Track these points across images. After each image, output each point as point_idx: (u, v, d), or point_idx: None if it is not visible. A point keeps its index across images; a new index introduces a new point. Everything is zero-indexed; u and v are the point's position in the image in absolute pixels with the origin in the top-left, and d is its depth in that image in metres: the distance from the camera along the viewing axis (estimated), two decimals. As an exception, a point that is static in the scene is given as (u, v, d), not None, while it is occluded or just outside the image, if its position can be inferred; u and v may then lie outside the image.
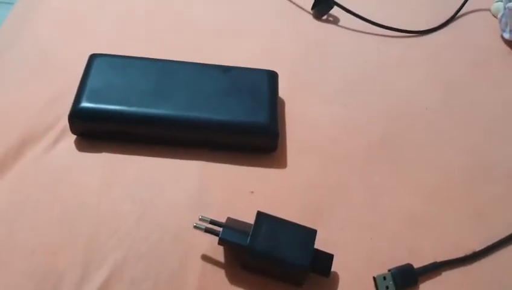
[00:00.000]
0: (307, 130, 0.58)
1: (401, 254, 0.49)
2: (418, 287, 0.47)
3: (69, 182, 0.50)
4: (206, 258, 0.46)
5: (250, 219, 0.46)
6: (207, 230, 0.46)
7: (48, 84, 0.58)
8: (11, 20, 0.66)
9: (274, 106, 0.55)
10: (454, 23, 0.74)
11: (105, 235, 0.47)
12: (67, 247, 0.46)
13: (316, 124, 0.59)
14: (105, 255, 0.45)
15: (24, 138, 0.53)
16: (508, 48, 0.71)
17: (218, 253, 0.47)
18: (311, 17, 0.72)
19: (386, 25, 0.70)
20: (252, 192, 0.51)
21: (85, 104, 0.51)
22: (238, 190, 0.52)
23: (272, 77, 0.57)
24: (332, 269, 0.46)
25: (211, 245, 0.47)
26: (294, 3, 0.73)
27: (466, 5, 0.75)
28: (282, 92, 0.58)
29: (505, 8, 0.71)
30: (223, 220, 0.47)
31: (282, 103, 0.59)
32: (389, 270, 0.47)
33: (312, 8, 0.72)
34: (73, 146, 0.53)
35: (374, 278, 0.47)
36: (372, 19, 0.70)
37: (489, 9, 0.76)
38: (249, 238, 0.44)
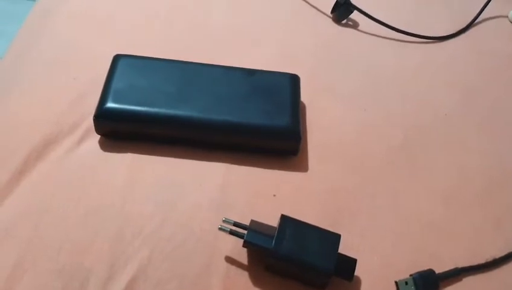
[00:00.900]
0: (327, 133, 0.58)
1: (422, 259, 0.49)
2: (439, 293, 0.47)
3: (93, 182, 0.50)
4: (230, 259, 0.47)
5: (273, 222, 0.47)
6: (232, 232, 0.46)
7: (72, 83, 0.58)
8: (33, 18, 0.66)
9: (296, 109, 0.55)
10: (472, 30, 0.74)
11: (130, 235, 0.47)
12: (93, 246, 0.46)
13: (336, 128, 0.59)
14: (130, 254, 0.46)
15: (48, 137, 0.53)
16: (525, 55, 0.71)
17: (242, 255, 0.47)
18: (330, 20, 0.72)
19: (404, 30, 0.71)
20: (274, 195, 0.52)
21: (110, 104, 0.52)
22: (261, 193, 0.52)
23: (294, 81, 0.58)
24: (355, 274, 0.46)
25: (234, 247, 0.47)
26: (314, 6, 0.73)
27: (484, 11, 0.75)
28: (302, 96, 0.59)
29: (523, 15, 0.71)
30: (245, 222, 0.47)
31: (303, 106, 0.60)
32: (410, 275, 0.47)
33: (332, 12, 0.72)
34: (97, 146, 0.53)
35: (396, 283, 0.47)
36: (391, 24, 0.70)
37: (507, 16, 0.76)
38: (273, 241, 0.45)
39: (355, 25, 0.72)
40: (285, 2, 0.74)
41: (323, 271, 0.44)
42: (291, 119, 0.54)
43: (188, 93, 0.54)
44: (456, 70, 0.68)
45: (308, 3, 0.74)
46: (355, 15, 0.71)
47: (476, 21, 0.75)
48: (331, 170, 0.55)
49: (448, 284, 0.48)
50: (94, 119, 0.52)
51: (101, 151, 0.53)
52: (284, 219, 0.46)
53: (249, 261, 0.47)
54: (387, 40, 0.71)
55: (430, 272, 0.48)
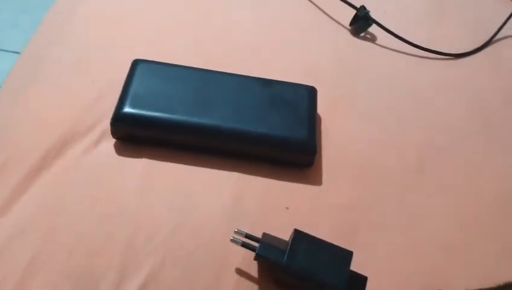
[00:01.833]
0: (343, 147, 0.58)
1: (433, 280, 0.49)
2: (448, 315, 0.47)
3: (107, 185, 0.51)
4: (240, 271, 0.47)
5: (284, 235, 0.47)
6: (244, 245, 0.46)
7: (89, 85, 0.58)
8: (53, 15, 0.66)
9: (313, 122, 0.55)
10: (490, 47, 0.74)
11: (142, 241, 0.47)
12: (104, 250, 0.46)
13: (352, 142, 0.59)
14: (142, 260, 0.46)
15: (65, 137, 0.53)
16: (545, 74, 0.70)
17: (252, 267, 0.47)
18: (349, 33, 0.72)
19: (422, 46, 0.70)
20: (287, 208, 0.52)
21: (128, 109, 0.52)
22: (273, 205, 0.52)
23: (311, 93, 0.57)
24: (365, 291, 0.46)
25: (245, 259, 0.47)
26: (333, 18, 0.73)
27: (503, 28, 0.75)
28: (318, 108, 0.58)
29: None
30: (257, 234, 0.47)
31: (319, 119, 0.59)
32: (421, 296, 0.47)
33: (350, 25, 0.72)
34: (113, 149, 0.53)
35: (406, 303, 0.47)
36: (409, 39, 0.70)
37: (526, 35, 0.76)
38: (286, 256, 0.44)
39: (373, 39, 0.72)
40: (304, 14, 0.74)
41: (334, 288, 0.44)
42: (308, 131, 0.54)
43: (205, 101, 0.54)
44: (474, 88, 0.68)
45: (328, 15, 0.74)
46: (373, 28, 0.71)
47: (494, 38, 0.74)
48: (345, 184, 0.55)
49: (459, 307, 0.48)
50: (111, 123, 0.52)
51: (116, 154, 0.53)
52: (297, 233, 0.46)
53: (259, 274, 0.47)
54: (405, 55, 0.70)
55: (441, 293, 0.47)
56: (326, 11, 0.74)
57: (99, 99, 0.57)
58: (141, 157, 0.53)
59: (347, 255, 0.45)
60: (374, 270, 0.47)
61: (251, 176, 0.53)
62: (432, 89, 0.67)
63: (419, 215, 0.53)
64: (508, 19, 0.76)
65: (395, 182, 0.56)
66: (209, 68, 0.58)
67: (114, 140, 0.54)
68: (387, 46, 0.71)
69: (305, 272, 0.44)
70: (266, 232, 0.47)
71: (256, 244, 0.46)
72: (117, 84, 0.55)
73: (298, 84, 0.58)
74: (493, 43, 0.74)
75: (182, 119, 0.52)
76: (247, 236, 0.47)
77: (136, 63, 0.56)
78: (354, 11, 0.72)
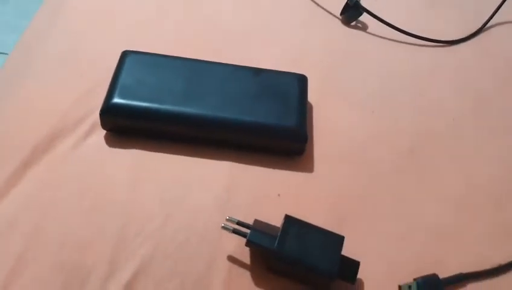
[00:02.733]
0: (334, 135, 0.58)
1: (427, 264, 0.48)
2: (443, 298, 0.47)
3: (98, 177, 0.50)
4: (232, 259, 0.47)
5: (277, 222, 0.47)
6: (235, 231, 0.46)
7: (79, 78, 0.58)
8: (41, 14, 0.67)
9: (303, 109, 0.55)
10: (483, 34, 0.74)
11: (133, 233, 0.47)
12: (95, 242, 0.46)
13: (343, 130, 0.59)
14: (132, 252, 0.46)
15: (54, 131, 0.53)
16: (537, 60, 0.70)
17: (244, 254, 0.47)
18: (339, 22, 0.72)
19: (414, 33, 0.70)
20: (279, 195, 0.52)
21: (117, 100, 0.52)
22: (265, 192, 0.52)
23: (301, 81, 0.57)
24: (358, 276, 0.46)
25: (237, 246, 0.47)
26: (323, 8, 0.73)
27: (495, 16, 0.75)
28: (309, 97, 0.58)
29: (535, 21, 0.70)
30: (249, 221, 0.47)
31: (310, 107, 0.59)
32: (414, 279, 0.47)
33: (341, 14, 0.72)
34: (103, 141, 0.53)
35: (399, 287, 0.46)
36: (401, 27, 0.70)
37: (518, 21, 0.75)
38: (276, 242, 0.44)
39: (364, 27, 0.72)
40: (294, 3, 0.73)
41: (326, 274, 0.44)
42: (298, 119, 0.54)
43: (195, 91, 0.54)
44: (466, 75, 0.68)
45: (318, 4, 0.74)
46: (364, 17, 0.71)
47: (487, 25, 0.74)
48: (336, 171, 0.55)
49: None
50: (100, 114, 0.52)
51: (106, 146, 0.53)
52: (288, 219, 0.46)
53: (251, 261, 0.47)
54: (397, 43, 0.70)
55: (434, 277, 0.47)
56: (317, 1, 0.74)
57: (88, 92, 0.57)
58: (132, 148, 0.53)
59: (339, 239, 0.45)
60: (366, 256, 0.47)
61: (243, 164, 0.53)
62: (423, 76, 0.67)
63: (411, 200, 0.53)
64: (500, 6, 0.75)
65: (387, 168, 0.56)
66: (199, 58, 0.58)
67: (104, 132, 0.54)
68: (379, 34, 0.71)
69: (296, 257, 0.44)
70: (258, 219, 0.47)
71: (247, 230, 0.46)
72: (106, 77, 0.55)
73: (288, 72, 0.58)
74: (485, 30, 0.74)
75: (172, 109, 0.52)
76: (239, 223, 0.47)
77: (125, 54, 0.56)
78: (344, 0, 0.71)
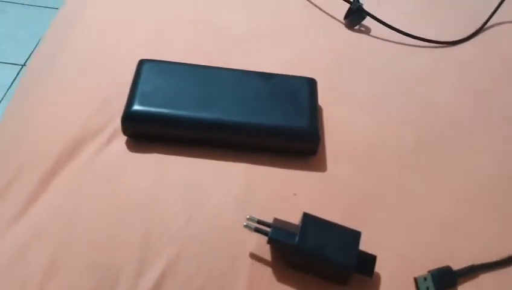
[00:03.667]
0: (343, 135, 0.60)
1: (439, 256, 0.50)
2: (456, 289, 0.49)
3: (121, 182, 0.52)
4: (254, 256, 0.49)
5: (294, 220, 0.49)
6: (256, 229, 0.48)
7: (98, 87, 0.60)
8: (58, 24, 0.69)
9: (314, 111, 0.57)
10: (482, 34, 0.76)
11: (158, 234, 0.49)
12: (122, 244, 0.48)
13: (351, 130, 0.61)
14: (159, 252, 0.48)
15: (77, 138, 0.55)
16: (535, 59, 0.73)
17: (265, 252, 0.49)
18: (343, 26, 0.74)
19: (416, 35, 0.72)
20: (295, 194, 0.54)
21: (137, 107, 0.54)
22: (282, 192, 0.54)
23: (311, 84, 0.59)
24: (375, 270, 0.48)
25: (257, 244, 0.49)
26: (327, 13, 0.76)
27: (494, 16, 0.77)
28: (318, 99, 0.60)
29: (532, 21, 0.73)
30: (267, 220, 0.49)
31: (320, 109, 0.61)
32: (429, 272, 0.49)
33: (345, 18, 0.74)
34: (124, 147, 0.55)
35: (415, 279, 0.48)
36: (403, 29, 0.72)
37: (516, 21, 0.78)
38: (297, 238, 0.46)
39: (367, 31, 0.74)
40: (299, 10, 0.76)
41: (345, 267, 0.46)
42: (310, 120, 0.56)
43: (210, 96, 0.56)
44: (467, 75, 0.70)
45: (322, 10, 0.76)
46: (367, 21, 0.73)
47: (486, 25, 0.77)
48: (348, 170, 0.57)
49: (465, 281, 0.49)
50: (122, 121, 0.54)
51: (128, 152, 0.55)
52: (306, 216, 0.48)
53: (272, 257, 0.49)
54: (399, 45, 0.72)
55: (448, 268, 0.49)
56: (321, 7, 0.76)
57: (107, 101, 0.58)
58: (152, 153, 0.55)
59: (356, 235, 0.47)
60: (381, 250, 0.49)
61: (258, 166, 0.55)
62: (426, 76, 0.69)
63: (421, 194, 0.55)
64: (499, 6, 0.78)
65: (395, 166, 0.58)
66: (211, 64, 0.60)
67: (125, 138, 0.55)
68: (382, 37, 0.73)
69: (316, 252, 0.46)
70: (277, 217, 0.49)
71: (268, 229, 0.48)
72: (124, 85, 0.57)
73: (298, 76, 0.60)
74: (484, 30, 0.77)
75: (189, 115, 0.54)
76: (259, 222, 0.48)
77: (142, 63, 0.58)
78: (348, 5, 0.74)
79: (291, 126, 0.55)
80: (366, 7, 0.73)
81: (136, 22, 0.70)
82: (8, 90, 1.15)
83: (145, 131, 0.55)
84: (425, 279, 0.48)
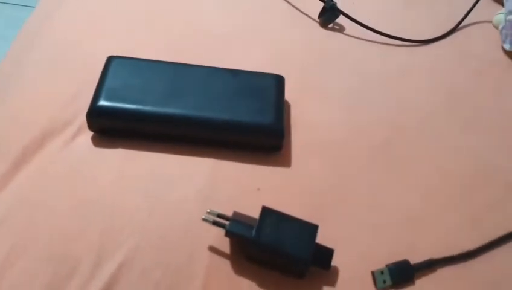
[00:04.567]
0: (311, 132, 0.60)
1: (399, 251, 0.51)
2: (414, 283, 0.49)
3: (86, 175, 0.53)
4: (213, 249, 0.49)
5: (256, 214, 0.49)
6: (214, 223, 0.48)
7: (67, 82, 0.61)
8: (32, 22, 0.69)
9: (280, 107, 0.58)
10: (456, 34, 0.77)
11: (119, 226, 0.50)
12: (83, 235, 0.49)
13: (320, 127, 0.61)
14: (118, 244, 0.48)
15: (44, 132, 0.56)
16: (508, 59, 0.73)
17: (224, 245, 0.49)
18: (317, 25, 0.75)
19: (389, 34, 0.73)
20: (259, 189, 0.54)
21: (102, 102, 0.54)
22: (245, 187, 0.54)
23: (278, 81, 0.60)
24: (333, 264, 0.48)
25: (217, 238, 0.49)
26: (301, 11, 0.76)
27: (468, 16, 0.78)
28: (288, 96, 0.61)
29: (505, 20, 0.73)
30: (230, 214, 0.49)
31: (289, 106, 0.62)
32: (386, 265, 0.49)
33: (319, 17, 0.75)
34: (90, 142, 0.56)
35: (372, 273, 0.49)
36: (377, 28, 0.73)
37: (491, 21, 0.78)
38: (254, 231, 0.47)
39: (341, 29, 0.74)
40: (274, 7, 0.76)
41: (301, 260, 0.47)
42: (275, 116, 0.56)
43: (177, 92, 0.56)
44: (440, 73, 0.70)
45: (296, 8, 0.77)
46: (341, 19, 0.74)
47: (460, 25, 0.77)
48: (313, 166, 0.57)
49: (423, 275, 0.50)
50: (87, 116, 0.55)
51: (93, 147, 0.55)
52: (265, 210, 0.49)
53: (231, 251, 0.49)
54: (373, 44, 0.73)
55: (405, 262, 0.50)
56: (296, 5, 0.77)
57: (76, 96, 0.59)
58: (118, 148, 0.55)
59: (313, 228, 0.48)
60: (342, 244, 0.50)
61: (223, 161, 0.56)
62: (399, 75, 0.69)
63: (385, 191, 0.56)
64: (474, 5, 0.78)
65: (362, 162, 0.58)
66: (181, 61, 0.60)
67: (91, 133, 0.56)
68: (356, 35, 0.74)
69: (272, 245, 0.47)
70: (238, 211, 0.50)
71: (227, 222, 0.48)
72: (93, 81, 0.58)
73: (265, 73, 0.61)
74: (459, 29, 0.77)
75: (155, 110, 0.55)
76: (219, 216, 0.49)
77: (110, 59, 0.59)
78: (322, 4, 0.74)
79: (255, 122, 0.56)
80: (341, 6, 0.74)
81: (111, 20, 0.71)
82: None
83: (110, 126, 0.55)
84: (382, 272, 0.49)
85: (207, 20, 0.73)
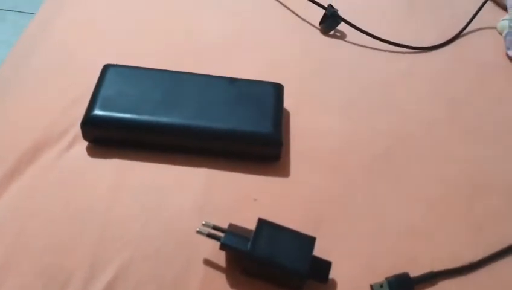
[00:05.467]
0: (311, 141, 0.59)
1: (400, 263, 0.50)
2: (414, 296, 0.48)
3: (80, 186, 0.52)
4: (208, 262, 0.48)
5: (253, 226, 0.48)
6: (209, 235, 0.47)
7: (63, 92, 0.60)
8: (30, 30, 0.69)
9: (278, 116, 0.57)
10: (460, 40, 0.75)
11: (113, 238, 0.49)
12: (76, 248, 0.48)
13: (320, 136, 0.60)
14: (111, 256, 0.47)
15: (39, 142, 0.55)
16: (512, 66, 0.72)
17: (220, 258, 0.48)
18: (318, 32, 0.74)
19: (391, 41, 0.72)
20: (255, 199, 0.53)
21: (97, 112, 0.54)
22: (242, 197, 0.53)
23: (277, 89, 0.59)
24: (331, 277, 0.47)
25: (213, 250, 0.48)
26: (302, 18, 0.75)
27: (472, 22, 0.76)
28: (288, 105, 0.60)
29: (510, 27, 0.72)
30: (225, 225, 0.48)
31: (288, 114, 0.61)
32: (386, 279, 0.48)
33: (320, 24, 0.74)
34: (85, 152, 0.55)
35: (371, 286, 0.48)
36: (378, 35, 0.72)
37: (495, 27, 0.77)
38: (249, 244, 0.46)
39: (342, 36, 0.74)
40: (274, 14, 0.76)
41: (297, 273, 0.45)
42: (273, 125, 0.55)
43: (173, 101, 0.56)
44: (442, 81, 0.69)
45: (297, 15, 0.76)
46: (342, 26, 0.73)
47: (463, 32, 0.76)
48: (312, 176, 0.56)
49: (424, 288, 0.49)
50: (81, 126, 0.54)
51: (88, 157, 0.55)
52: (261, 222, 0.48)
53: (226, 264, 0.48)
54: (374, 51, 0.72)
55: (405, 275, 0.48)
56: (297, 12, 0.76)
57: (72, 105, 0.59)
58: (113, 158, 0.55)
59: (310, 241, 0.47)
60: (340, 256, 0.49)
61: (221, 171, 0.55)
62: (401, 82, 0.68)
63: (385, 202, 0.55)
64: (478, 11, 0.77)
65: (363, 172, 0.57)
66: (179, 70, 0.60)
67: (86, 143, 0.55)
68: (357, 42, 0.73)
69: (268, 258, 0.46)
70: (234, 223, 0.49)
71: (222, 234, 0.47)
72: (90, 90, 0.57)
73: (264, 81, 0.60)
74: (461, 37, 0.76)
75: (150, 120, 0.54)
76: (215, 227, 0.48)
77: (106, 68, 0.58)
78: (323, 11, 0.73)
79: (253, 131, 0.55)
80: (342, 13, 0.73)
81: (109, 27, 0.70)
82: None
83: (105, 136, 0.55)
84: (381, 286, 0.48)
85: (205, 27, 0.72)
